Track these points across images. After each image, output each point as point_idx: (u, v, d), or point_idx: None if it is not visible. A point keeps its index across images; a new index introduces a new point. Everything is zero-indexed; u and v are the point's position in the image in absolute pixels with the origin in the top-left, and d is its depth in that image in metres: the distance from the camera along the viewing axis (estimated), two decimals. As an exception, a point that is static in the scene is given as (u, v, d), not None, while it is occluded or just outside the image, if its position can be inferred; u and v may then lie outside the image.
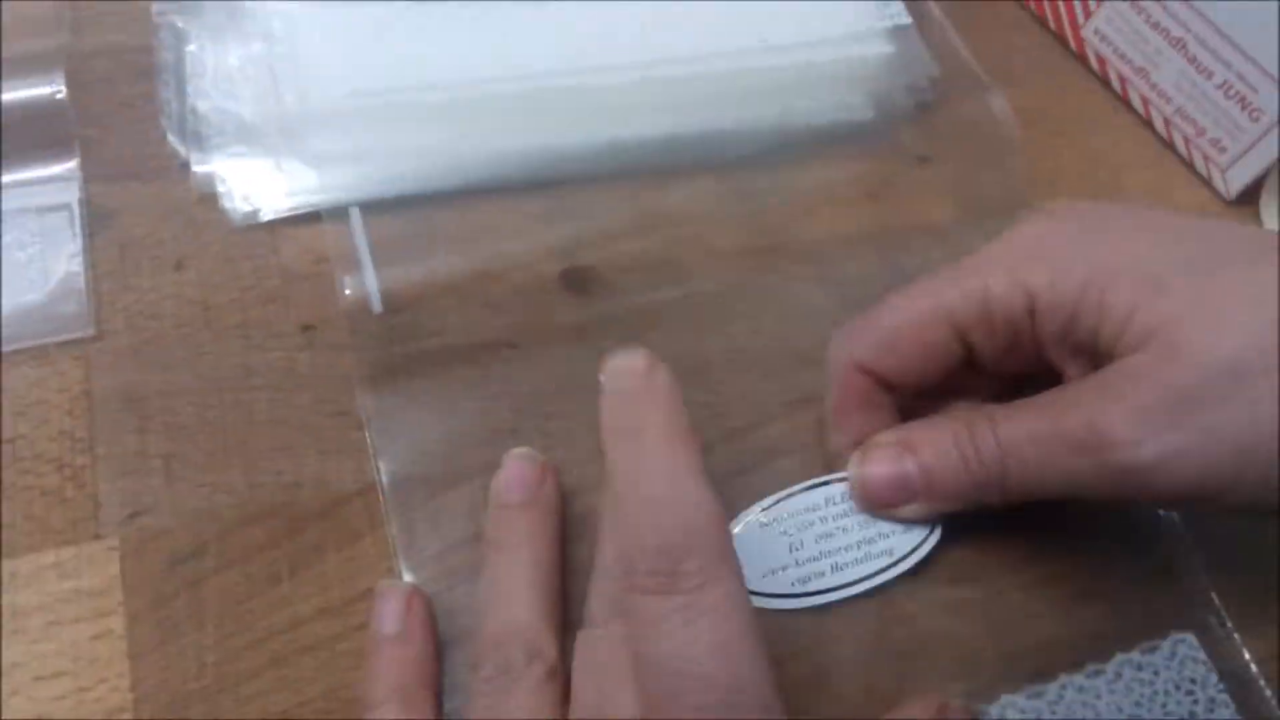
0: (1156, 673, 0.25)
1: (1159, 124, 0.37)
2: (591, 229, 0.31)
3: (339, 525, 0.25)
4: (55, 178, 0.28)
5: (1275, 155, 0.33)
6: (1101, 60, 0.37)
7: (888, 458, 0.25)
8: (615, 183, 0.32)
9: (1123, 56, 0.36)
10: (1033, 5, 0.39)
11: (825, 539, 0.26)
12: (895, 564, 0.26)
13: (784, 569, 0.25)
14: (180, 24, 0.31)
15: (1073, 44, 0.38)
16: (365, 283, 0.27)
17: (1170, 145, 0.37)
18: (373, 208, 0.29)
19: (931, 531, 0.26)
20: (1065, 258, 0.24)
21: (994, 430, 0.24)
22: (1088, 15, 0.37)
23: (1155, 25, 0.35)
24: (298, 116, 0.30)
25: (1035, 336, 0.25)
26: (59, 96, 0.29)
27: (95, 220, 0.28)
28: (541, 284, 0.30)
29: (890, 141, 0.35)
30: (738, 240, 0.32)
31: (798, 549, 0.26)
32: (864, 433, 0.26)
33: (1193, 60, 0.34)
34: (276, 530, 0.25)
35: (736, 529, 0.26)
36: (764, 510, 0.26)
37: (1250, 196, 0.35)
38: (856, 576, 0.25)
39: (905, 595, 0.26)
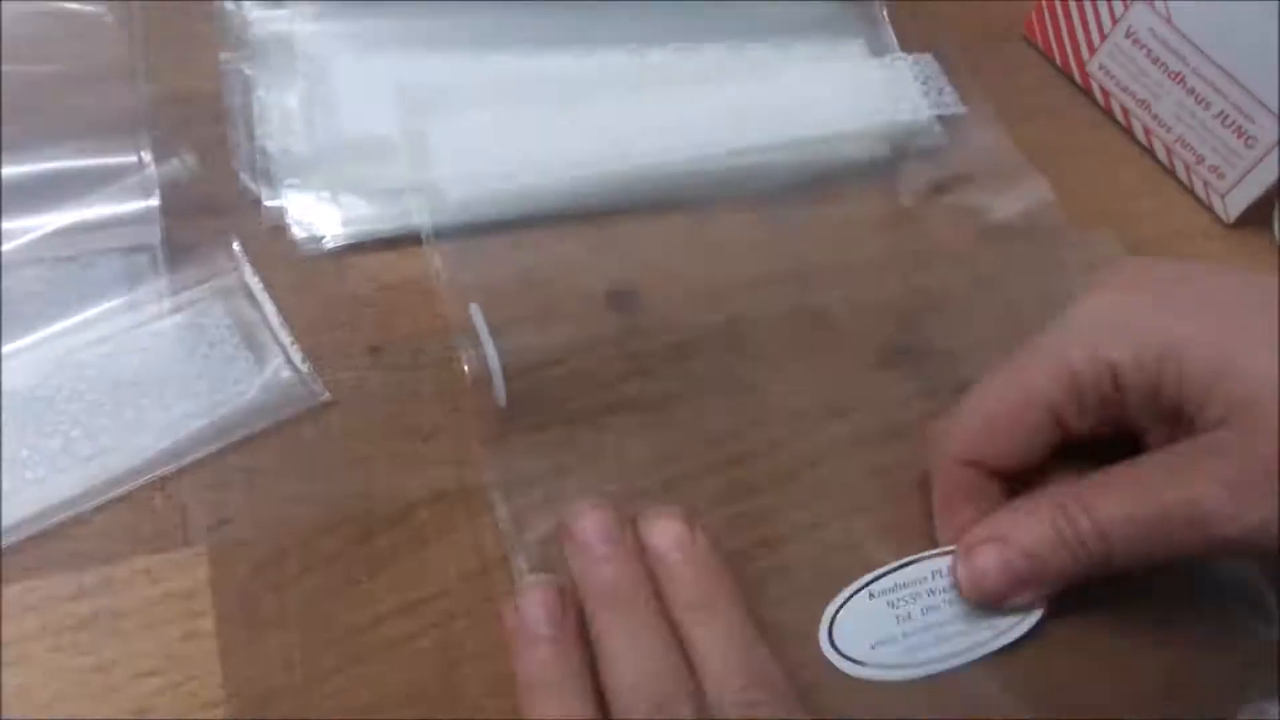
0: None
1: (1160, 152, 0.39)
2: (635, 256, 0.33)
3: (410, 531, 0.27)
4: (136, 218, 0.30)
5: (1272, 180, 0.36)
6: (1105, 93, 0.40)
7: (993, 557, 0.26)
8: (653, 214, 0.34)
9: (1125, 89, 0.39)
10: (1039, 42, 0.42)
11: (931, 611, 0.27)
12: (1000, 635, 0.26)
13: (892, 640, 0.26)
14: (247, 70, 0.33)
15: (1078, 78, 0.41)
16: (489, 367, 0.28)
17: (1172, 172, 0.39)
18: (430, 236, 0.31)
19: (1035, 605, 0.26)
20: (1142, 330, 0.25)
21: (1090, 514, 0.25)
22: (1092, 51, 0.39)
23: (1155, 60, 0.37)
24: (347, 151, 0.32)
25: (1121, 406, 0.26)
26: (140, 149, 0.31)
27: (176, 255, 0.30)
28: (589, 306, 0.32)
29: (908, 171, 0.37)
30: (769, 265, 0.34)
31: (905, 620, 0.26)
32: (970, 522, 0.27)
33: (1191, 92, 0.37)
34: (352, 536, 0.27)
35: (847, 600, 0.27)
36: (873, 583, 0.27)
37: (1249, 219, 0.37)
38: (962, 648, 0.26)
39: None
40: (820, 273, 0.34)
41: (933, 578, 0.27)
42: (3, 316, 0.27)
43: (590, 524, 0.25)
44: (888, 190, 0.37)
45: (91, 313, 0.27)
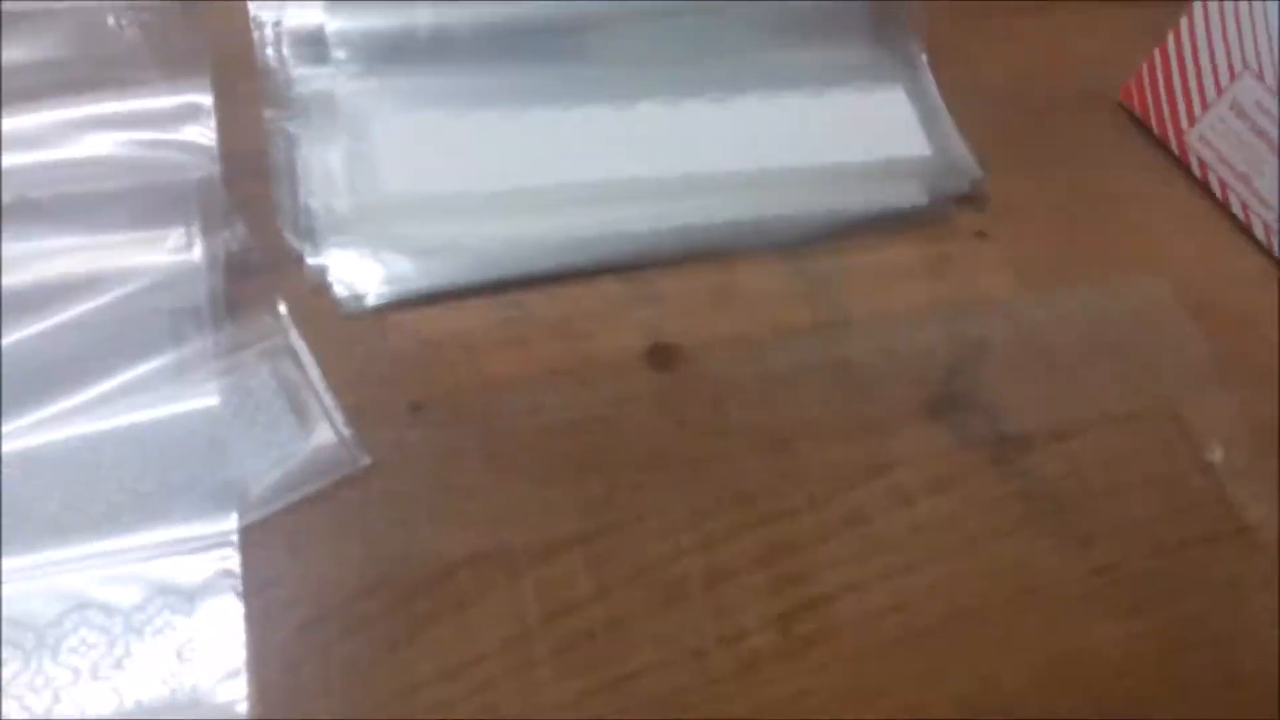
0: None
1: (1259, 230, 0.38)
2: (671, 309, 0.33)
3: (450, 593, 0.27)
4: (182, 275, 0.30)
5: None
6: (1203, 165, 0.39)
7: None
8: (688, 266, 0.34)
9: (1225, 162, 0.38)
10: (1137, 108, 0.41)
11: None
12: None
13: None
14: (291, 129, 0.34)
15: (1175, 147, 0.40)
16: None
17: (1270, 252, 0.38)
18: (469, 291, 0.32)
19: None
20: None
21: None
22: (1192, 121, 0.38)
23: (1260, 133, 0.36)
24: (389, 209, 0.33)
25: None
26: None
27: (221, 315, 0.30)
28: (628, 361, 0.32)
29: (947, 219, 0.37)
30: (805, 317, 0.34)
31: None
32: None
33: None
34: (393, 598, 0.27)
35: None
36: None
37: None
38: None
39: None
40: (855, 323, 0.34)
41: None
42: (47, 378, 0.27)
43: None
44: (923, 237, 0.36)
45: (137, 374, 0.28)
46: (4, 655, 0.24)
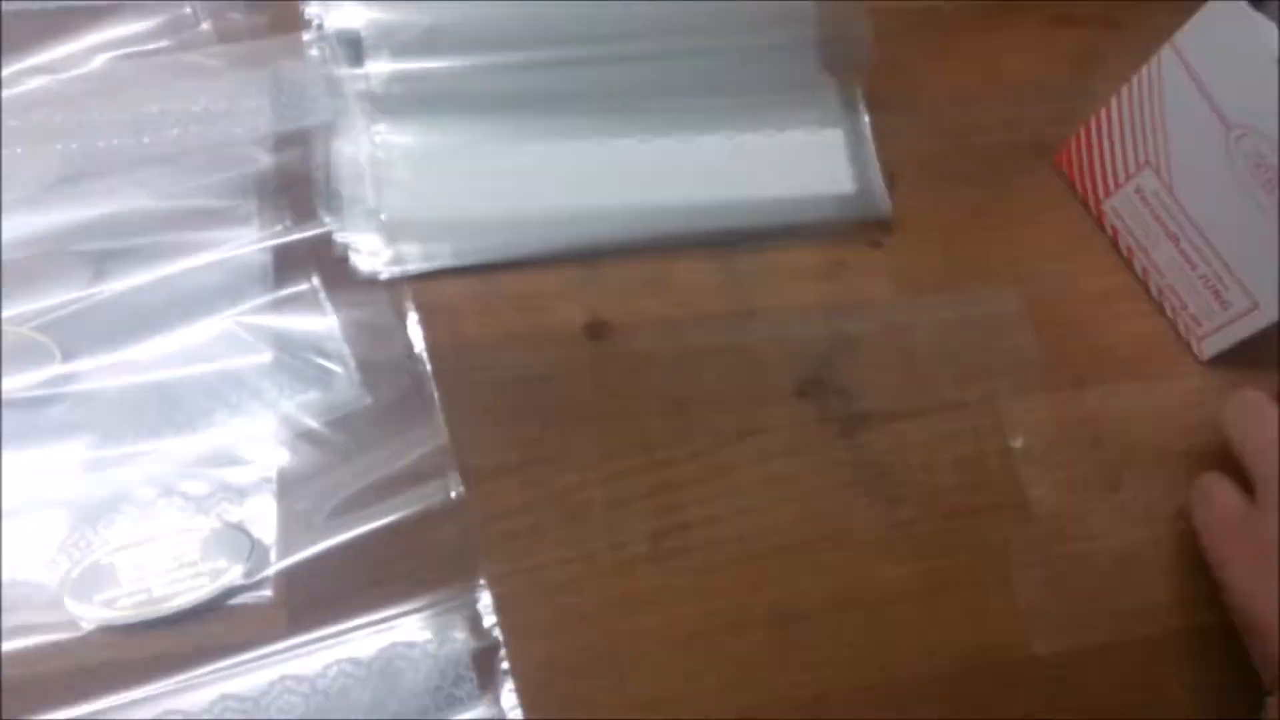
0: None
1: (1154, 289, 0.46)
2: (612, 292, 0.43)
3: (419, 494, 0.38)
4: (244, 240, 0.41)
5: (1240, 337, 0.42)
6: (1115, 231, 0.47)
7: None
8: (634, 258, 0.43)
9: (1131, 232, 0.45)
10: (1066, 172, 0.48)
11: None
12: None
13: None
14: (330, 121, 0.43)
15: (1094, 212, 0.47)
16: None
17: (1161, 310, 0.46)
18: (460, 270, 0.42)
19: None
20: None
21: None
22: (1108, 194, 0.46)
23: (1156, 217, 0.44)
24: (399, 202, 0.42)
25: None
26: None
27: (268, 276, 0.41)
28: (570, 332, 0.42)
29: (850, 231, 0.45)
30: (720, 305, 0.43)
31: None
32: None
33: (1182, 253, 0.43)
34: (384, 492, 0.38)
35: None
36: None
37: (1220, 361, 0.44)
38: None
39: None
40: (759, 314, 0.43)
41: None
42: (128, 325, 0.38)
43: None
44: (828, 244, 0.45)
45: (202, 326, 0.39)
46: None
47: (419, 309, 0.41)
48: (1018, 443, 0.42)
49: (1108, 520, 0.42)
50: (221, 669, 0.34)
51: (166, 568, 0.34)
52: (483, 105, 0.44)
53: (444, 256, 0.42)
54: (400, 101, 0.44)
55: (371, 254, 0.42)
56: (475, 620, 0.36)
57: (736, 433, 0.41)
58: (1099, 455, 0.43)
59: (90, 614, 0.33)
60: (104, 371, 0.38)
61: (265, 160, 0.43)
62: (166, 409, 0.37)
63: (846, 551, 0.39)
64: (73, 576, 0.34)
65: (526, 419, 0.40)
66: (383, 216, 0.42)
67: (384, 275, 0.41)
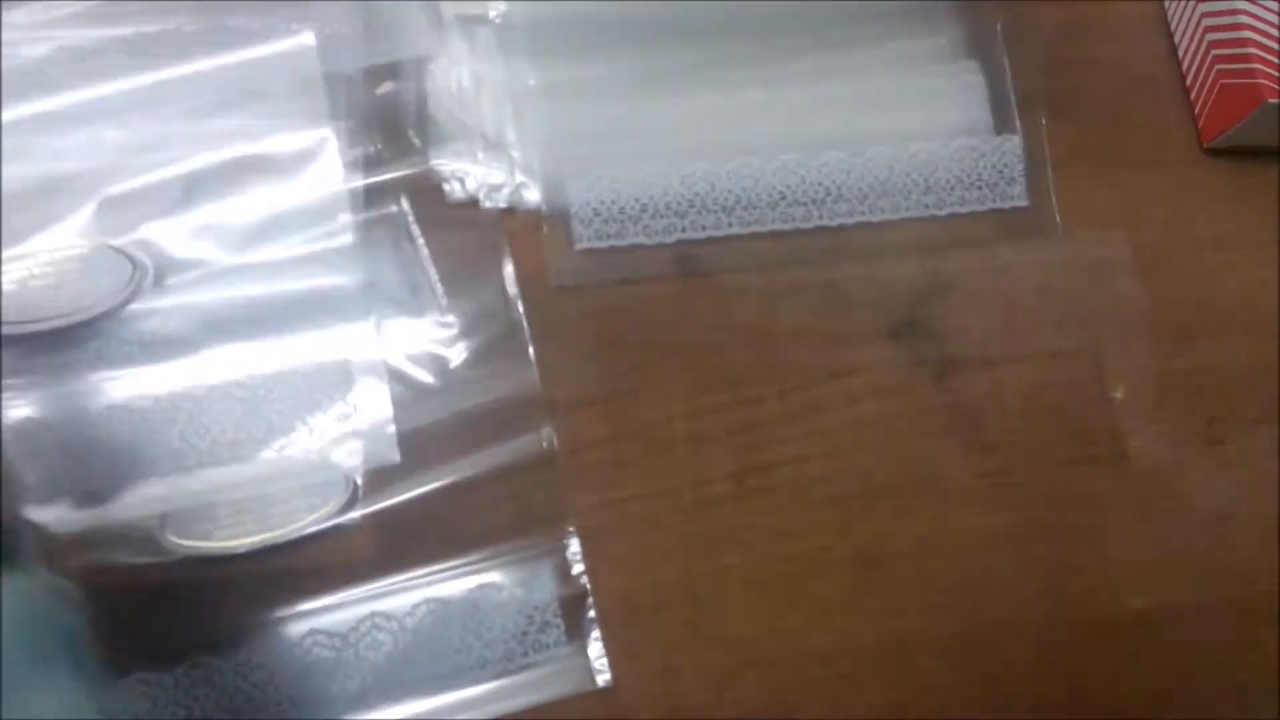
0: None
1: None
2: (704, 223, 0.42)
3: (510, 423, 0.38)
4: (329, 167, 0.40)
5: None
6: None
7: None
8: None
9: None
10: None
11: None
12: None
13: None
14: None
15: None
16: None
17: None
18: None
19: None
20: None
21: None
22: None
23: None
24: (496, 128, 0.41)
25: None
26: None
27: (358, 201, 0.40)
28: (660, 266, 0.41)
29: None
30: (814, 241, 0.42)
31: None
32: None
33: None
34: (472, 424, 0.38)
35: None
36: None
37: None
38: None
39: None
40: (853, 251, 0.42)
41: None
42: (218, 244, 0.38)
43: None
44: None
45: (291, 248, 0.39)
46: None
47: (509, 237, 0.41)
48: (1118, 393, 0.41)
49: (1208, 476, 0.40)
50: (312, 606, 0.34)
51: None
52: (601, 40, 0.43)
53: (528, 190, 0.41)
54: (520, 32, 0.42)
55: (463, 181, 0.41)
56: (564, 567, 0.36)
57: (826, 373, 0.40)
58: (1201, 409, 0.41)
59: (185, 545, 0.34)
60: (193, 286, 0.38)
61: (357, 89, 0.42)
62: (253, 326, 0.37)
63: (935, 498, 0.39)
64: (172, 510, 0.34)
65: (612, 352, 0.39)
66: (478, 144, 0.41)
67: (482, 203, 0.41)
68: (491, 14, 0.42)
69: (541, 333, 0.39)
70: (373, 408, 0.37)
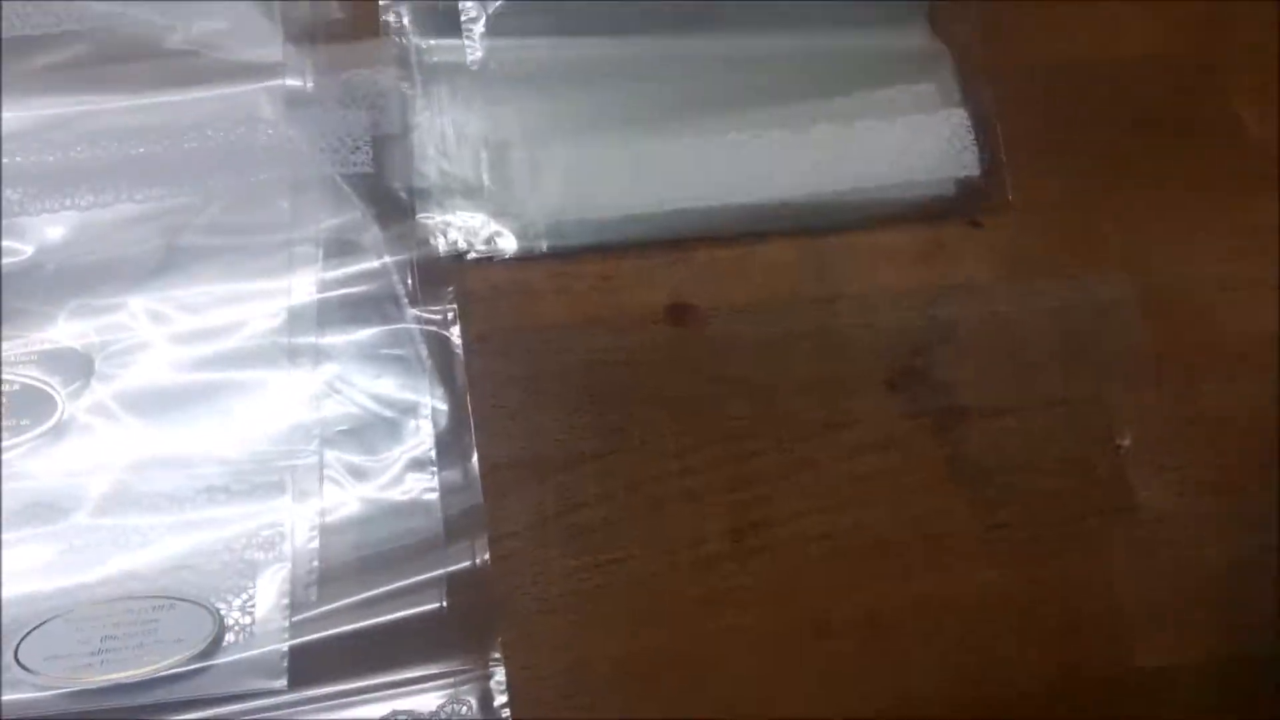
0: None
1: None
2: (697, 274, 0.41)
3: (492, 485, 0.37)
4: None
5: None
6: None
7: None
8: (721, 238, 0.41)
9: None
10: None
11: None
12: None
13: None
14: (407, 92, 0.41)
15: None
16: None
17: None
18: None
19: None
20: None
21: None
22: None
23: None
24: (483, 184, 0.40)
25: None
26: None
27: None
28: (651, 315, 0.40)
29: (948, 209, 0.43)
30: (810, 290, 0.41)
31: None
32: None
33: None
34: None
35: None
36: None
37: None
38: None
39: None
40: (849, 299, 0.41)
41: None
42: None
43: None
44: (925, 225, 0.42)
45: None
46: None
47: (494, 289, 0.40)
48: (1126, 441, 0.40)
49: (1221, 526, 0.39)
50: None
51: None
52: (577, 81, 0.42)
53: (522, 239, 0.40)
54: (499, 78, 0.42)
55: (451, 233, 0.40)
56: (486, 697, 0.33)
57: (823, 425, 0.39)
58: (1213, 456, 0.40)
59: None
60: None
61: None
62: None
63: (939, 555, 0.37)
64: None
65: (604, 405, 0.38)
66: (466, 197, 0.40)
67: (467, 255, 0.40)
68: (469, 59, 0.42)
69: (528, 383, 0.38)
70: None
